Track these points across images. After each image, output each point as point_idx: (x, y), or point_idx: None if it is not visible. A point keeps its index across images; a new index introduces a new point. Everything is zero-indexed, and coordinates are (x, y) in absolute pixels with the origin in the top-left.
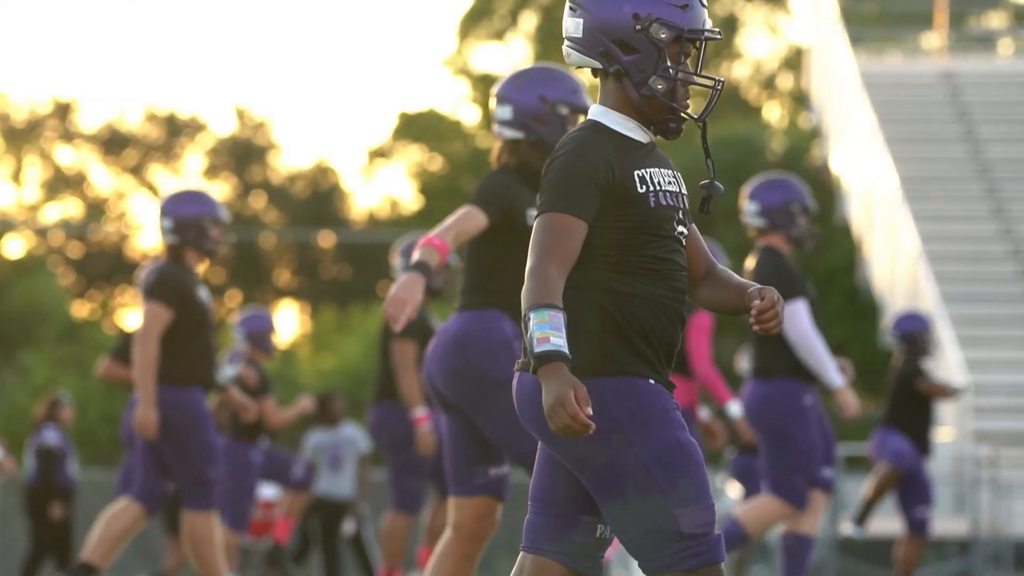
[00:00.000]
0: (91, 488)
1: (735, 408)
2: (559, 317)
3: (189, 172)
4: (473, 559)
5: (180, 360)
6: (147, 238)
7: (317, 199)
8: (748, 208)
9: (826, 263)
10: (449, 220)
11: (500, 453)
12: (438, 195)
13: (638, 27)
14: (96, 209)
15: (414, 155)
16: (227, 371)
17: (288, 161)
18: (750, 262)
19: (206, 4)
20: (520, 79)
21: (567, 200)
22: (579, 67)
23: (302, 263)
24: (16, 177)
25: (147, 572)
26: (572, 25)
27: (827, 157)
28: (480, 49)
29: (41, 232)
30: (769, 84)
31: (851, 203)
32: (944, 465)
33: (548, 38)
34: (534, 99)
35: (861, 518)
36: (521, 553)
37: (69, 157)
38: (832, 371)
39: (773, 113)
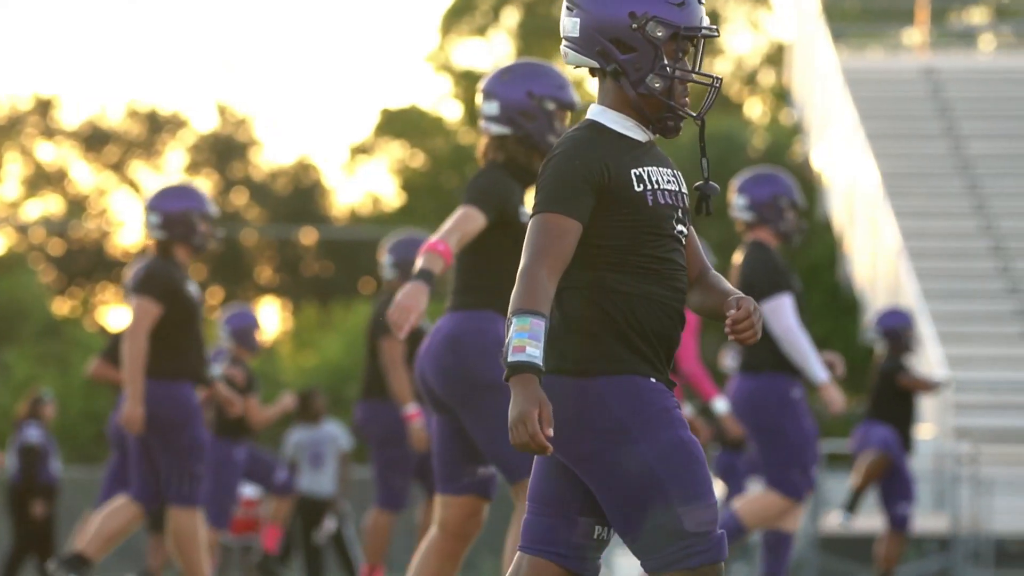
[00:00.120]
0: (71, 486)
1: (721, 405)
2: (540, 325)
3: (171, 169)
4: (457, 558)
5: (170, 355)
6: (128, 235)
7: (299, 196)
8: (736, 202)
9: (808, 259)
10: (449, 223)
11: None
12: (420, 191)
13: (634, 25)
14: (77, 206)
15: (396, 151)
16: (214, 369)
17: (270, 157)
18: (738, 256)
19: (189, 1)
20: (507, 74)
21: (561, 200)
22: (577, 66)
23: (284, 260)
24: None
25: (133, 572)
26: (569, 24)
27: (809, 153)
28: (462, 45)
29: (22, 229)
30: (751, 80)
31: (833, 199)
32: (925, 462)
33: (530, 34)
34: (521, 94)
35: (851, 506)
36: (518, 553)
37: (50, 154)
38: (816, 366)
39: (755, 109)
